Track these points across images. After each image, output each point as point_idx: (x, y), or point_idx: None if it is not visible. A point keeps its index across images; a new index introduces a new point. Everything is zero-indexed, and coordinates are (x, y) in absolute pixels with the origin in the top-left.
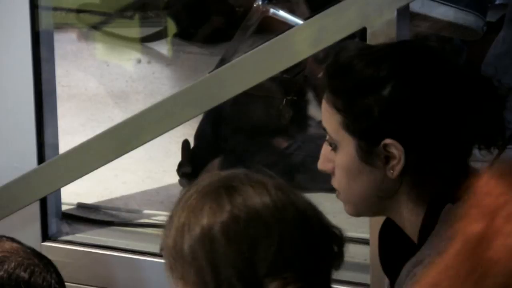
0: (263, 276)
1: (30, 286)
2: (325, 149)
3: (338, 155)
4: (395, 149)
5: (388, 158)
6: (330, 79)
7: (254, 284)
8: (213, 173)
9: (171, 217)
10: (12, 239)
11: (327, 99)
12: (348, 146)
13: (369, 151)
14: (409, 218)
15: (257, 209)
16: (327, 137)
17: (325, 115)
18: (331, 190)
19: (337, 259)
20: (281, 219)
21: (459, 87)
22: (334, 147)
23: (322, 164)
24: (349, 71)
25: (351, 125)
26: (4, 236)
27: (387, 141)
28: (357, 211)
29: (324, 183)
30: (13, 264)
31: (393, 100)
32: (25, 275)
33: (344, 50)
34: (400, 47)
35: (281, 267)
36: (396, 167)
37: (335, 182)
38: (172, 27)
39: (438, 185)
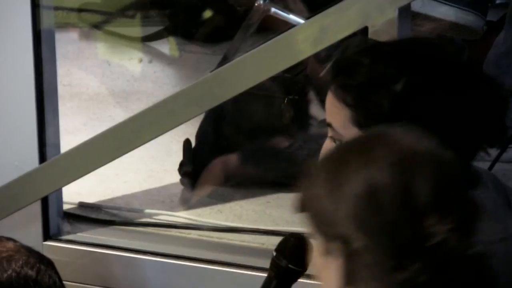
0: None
1: (38, 284)
2: (327, 145)
3: None
4: None
5: None
6: (339, 74)
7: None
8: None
9: (309, 179)
10: (12, 240)
11: (335, 94)
12: None
13: None
14: None
15: (414, 148)
16: (330, 133)
17: (331, 110)
18: None
19: None
20: (438, 162)
21: (467, 85)
22: None
23: None
24: (359, 66)
25: (362, 120)
26: (4, 237)
27: None
28: None
29: None
30: (20, 262)
31: (405, 95)
32: (32, 273)
33: (350, 46)
34: (409, 43)
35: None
36: None
37: None
38: (173, 26)
39: None
